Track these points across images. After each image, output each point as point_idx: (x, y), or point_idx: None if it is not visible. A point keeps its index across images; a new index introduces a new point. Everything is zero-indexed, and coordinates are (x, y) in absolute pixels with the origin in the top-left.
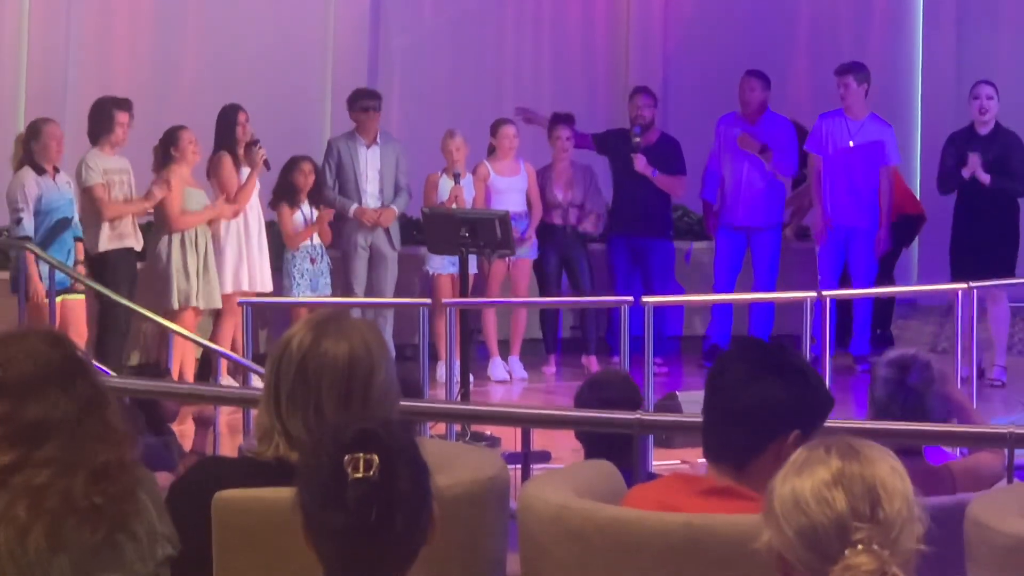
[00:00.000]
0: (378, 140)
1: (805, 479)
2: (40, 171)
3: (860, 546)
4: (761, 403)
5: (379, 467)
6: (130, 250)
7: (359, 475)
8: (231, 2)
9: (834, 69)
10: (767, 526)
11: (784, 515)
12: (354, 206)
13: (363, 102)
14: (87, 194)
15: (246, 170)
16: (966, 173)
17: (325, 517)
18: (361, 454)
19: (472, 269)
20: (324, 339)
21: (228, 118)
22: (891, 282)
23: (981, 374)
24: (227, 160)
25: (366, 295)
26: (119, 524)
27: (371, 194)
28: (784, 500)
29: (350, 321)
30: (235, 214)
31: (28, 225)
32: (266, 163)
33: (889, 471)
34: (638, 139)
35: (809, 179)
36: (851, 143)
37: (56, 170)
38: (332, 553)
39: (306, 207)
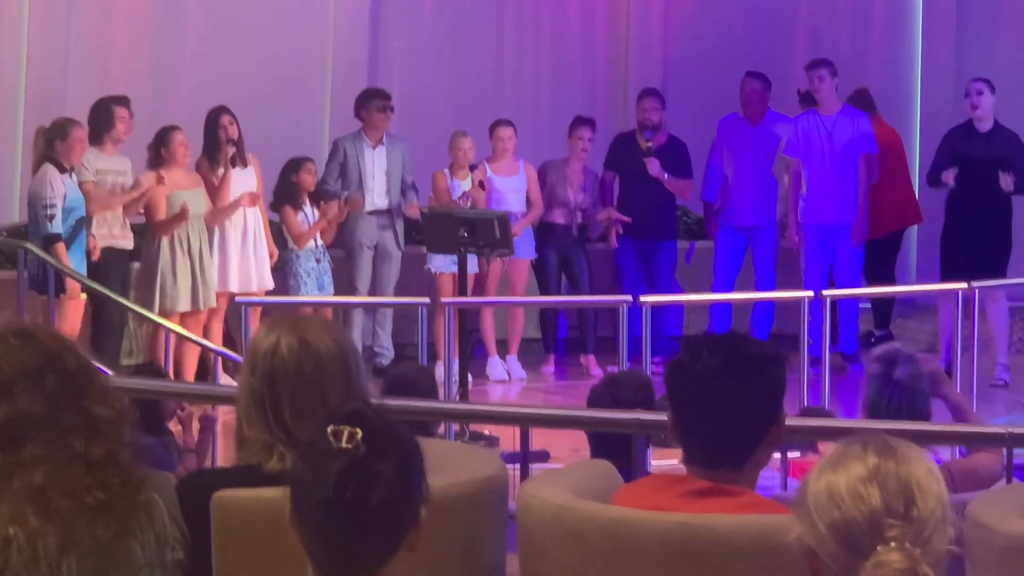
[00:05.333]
0: (384, 141)
1: (840, 474)
2: (62, 169)
3: (893, 543)
4: (755, 402)
5: (363, 443)
6: (122, 250)
7: (341, 446)
8: (230, 4)
9: (804, 65)
10: (799, 520)
11: (817, 509)
12: (345, 193)
13: (378, 102)
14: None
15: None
16: (945, 177)
17: (307, 488)
18: (346, 427)
19: (473, 269)
20: (309, 338)
21: (211, 121)
22: (892, 282)
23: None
24: (203, 164)
25: (369, 294)
26: (129, 518)
27: (378, 194)
28: (818, 494)
29: (312, 317)
30: (220, 215)
31: (59, 222)
32: (233, 160)
33: (925, 471)
34: (649, 143)
35: (787, 181)
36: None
37: (72, 170)
38: (311, 530)
39: (308, 207)
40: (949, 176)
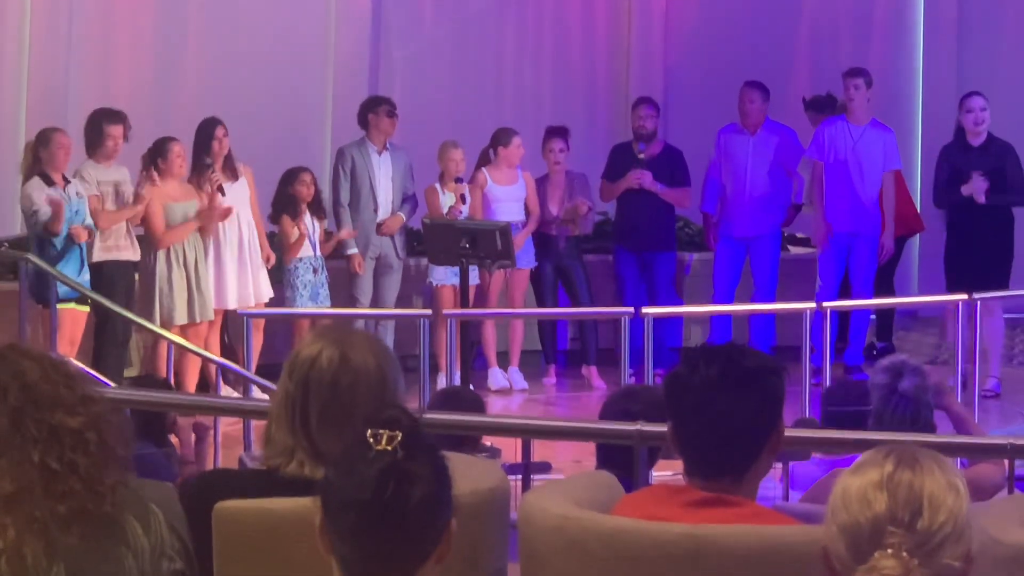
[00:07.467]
0: (387, 147)
1: (857, 477)
2: (49, 181)
3: (890, 550)
4: (754, 412)
5: (401, 445)
6: (126, 262)
7: (381, 447)
8: (232, 13)
9: (843, 72)
10: (826, 520)
11: (833, 510)
12: (344, 230)
13: (387, 107)
14: None
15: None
16: (966, 191)
17: (344, 491)
18: (385, 430)
19: (475, 280)
20: (351, 353)
21: (205, 132)
22: (892, 293)
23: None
24: (195, 178)
25: (370, 305)
26: (110, 526)
27: (383, 201)
28: (836, 495)
29: (359, 333)
30: (224, 215)
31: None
32: (220, 189)
33: (944, 486)
34: (642, 155)
35: (810, 185)
36: (853, 148)
37: (66, 180)
38: (345, 536)
39: (307, 217)
40: (973, 189)
